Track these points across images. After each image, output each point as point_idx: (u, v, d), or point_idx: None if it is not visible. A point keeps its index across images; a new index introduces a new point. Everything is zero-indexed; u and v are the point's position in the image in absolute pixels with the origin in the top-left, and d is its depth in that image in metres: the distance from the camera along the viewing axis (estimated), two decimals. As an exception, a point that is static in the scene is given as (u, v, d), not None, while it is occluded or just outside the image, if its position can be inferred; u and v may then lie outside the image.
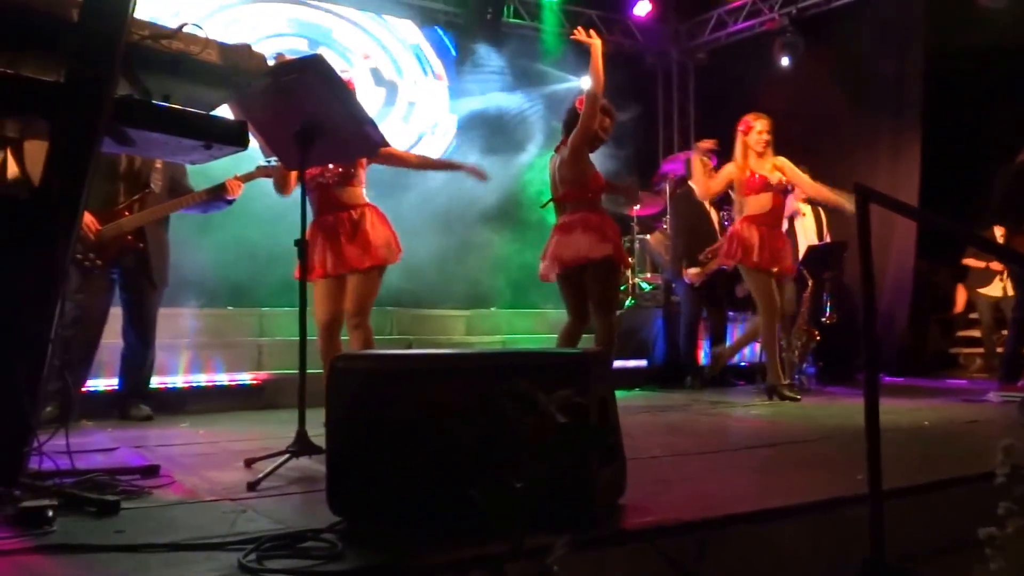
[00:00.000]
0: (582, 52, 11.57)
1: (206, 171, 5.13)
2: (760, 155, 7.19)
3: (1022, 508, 2.08)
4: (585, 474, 2.53)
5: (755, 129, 7.20)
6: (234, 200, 5.91)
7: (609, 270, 5.98)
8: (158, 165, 5.90)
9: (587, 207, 6.02)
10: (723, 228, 8.97)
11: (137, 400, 6.01)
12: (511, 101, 11.51)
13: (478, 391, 2.58)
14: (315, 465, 3.65)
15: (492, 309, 9.96)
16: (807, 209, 9.13)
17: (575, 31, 6.20)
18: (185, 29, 2.92)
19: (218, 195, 5.82)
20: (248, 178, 5.78)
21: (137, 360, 6.06)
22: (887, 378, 9.50)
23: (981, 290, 10.44)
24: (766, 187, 7.12)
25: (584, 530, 2.43)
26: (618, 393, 6.29)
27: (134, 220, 5.78)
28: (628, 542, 2.55)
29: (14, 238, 2.31)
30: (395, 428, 2.68)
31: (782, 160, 7.24)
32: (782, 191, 7.26)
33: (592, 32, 6.07)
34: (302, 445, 3.78)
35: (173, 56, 2.87)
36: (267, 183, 5.59)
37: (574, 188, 6.01)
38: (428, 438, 2.64)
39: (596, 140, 6.16)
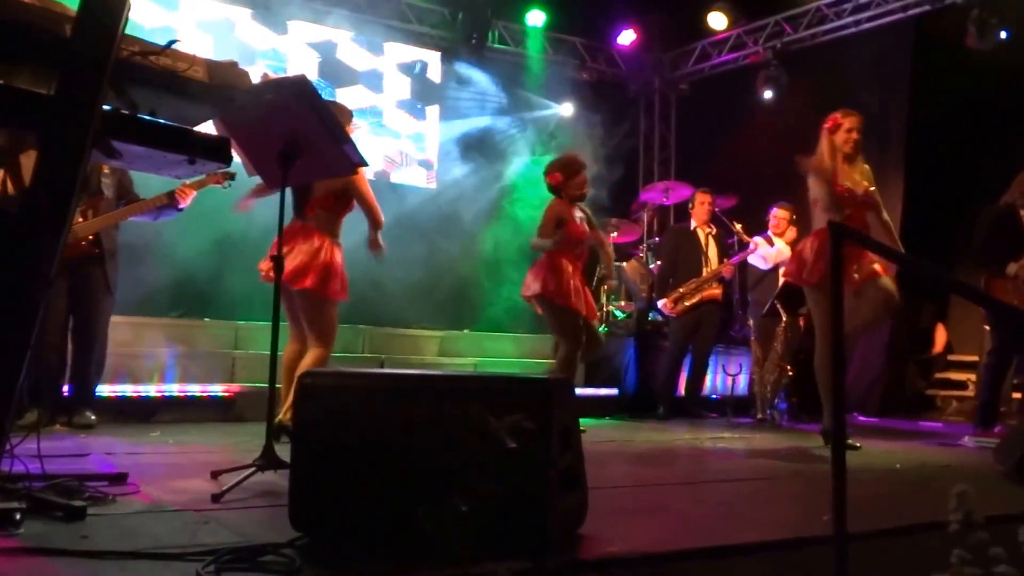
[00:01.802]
0: (564, 79, 11.76)
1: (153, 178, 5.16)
2: (849, 159, 6.25)
3: (975, 556, 2.08)
4: (541, 501, 2.54)
5: (843, 127, 6.28)
6: (184, 208, 5.94)
7: (545, 305, 6.80)
8: (106, 171, 5.90)
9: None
10: (721, 260, 9.04)
11: (83, 407, 5.95)
12: (494, 124, 11.60)
13: (440, 413, 2.62)
14: (280, 480, 3.68)
15: (465, 331, 10.00)
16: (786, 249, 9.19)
17: None
18: (174, 46, 2.97)
19: (171, 202, 5.85)
20: (199, 185, 5.82)
21: (90, 366, 6.00)
22: (862, 418, 9.45)
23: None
24: (850, 200, 6.16)
25: (539, 558, 2.45)
26: (587, 421, 6.35)
27: (89, 226, 5.80)
28: (583, 572, 2.55)
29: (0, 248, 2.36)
30: (358, 447, 2.72)
31: (869, 169, 6.37)
32: (869, 205, 6.25)
33: None
34: (268, 459, 3.82)
35: (161, 72, 2.92)
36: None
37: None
38: (390, 458, 2.67)
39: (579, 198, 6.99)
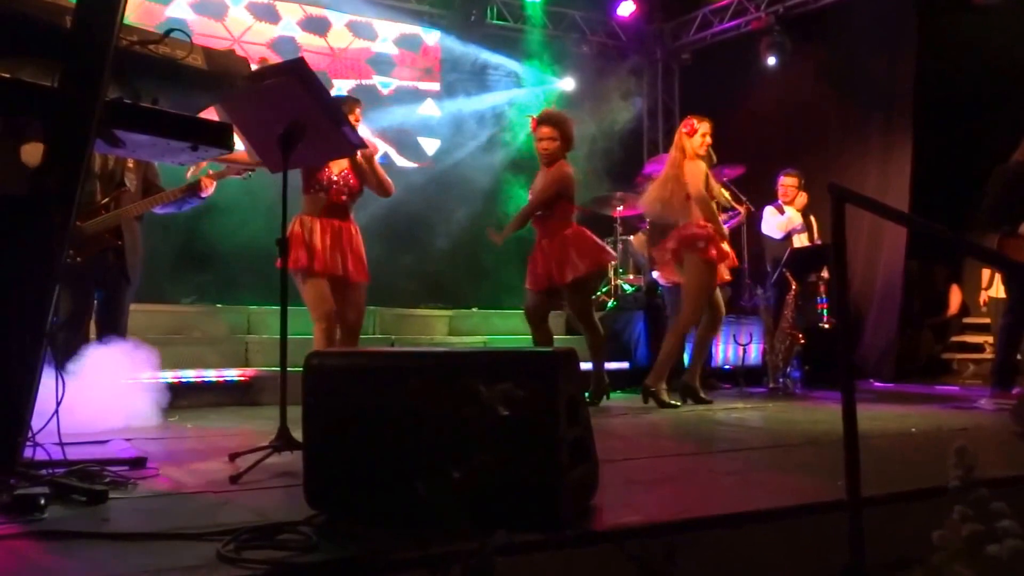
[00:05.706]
0: (565, 53, 11.70)
1: (179, 170, 5.39)
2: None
3: (976, 512, 2.09)
4: (552, 473, 2.55)
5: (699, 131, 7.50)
6: (207, 197, 5.98)
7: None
8: (130, 165, 5.94)
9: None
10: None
11: None
12: (495, 101, 11.59)
13: (447, 388, 2.63)
14: (297, 460, 3.72)
15: (474, 309, 10.00)
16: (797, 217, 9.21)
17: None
18: (172, 35, 3.00)
19: (192, 192, 5.89)
20: (220, 175, 5.85)
21: None
22: (877, 383, 9.37)
23: (991, 293, 9.59)
24: None
25: (551, 530, 2.47)
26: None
27: (111, 217, 5.83)
28: (597, 543, 2.55)
29: (10, 235, 2.39)
30: (368, 424, 2.74)
31: None
32: None
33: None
34: (284, 440, 3.87)
35: (161, 61, 2.95)
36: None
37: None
38: (400, 434, 2.69)
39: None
